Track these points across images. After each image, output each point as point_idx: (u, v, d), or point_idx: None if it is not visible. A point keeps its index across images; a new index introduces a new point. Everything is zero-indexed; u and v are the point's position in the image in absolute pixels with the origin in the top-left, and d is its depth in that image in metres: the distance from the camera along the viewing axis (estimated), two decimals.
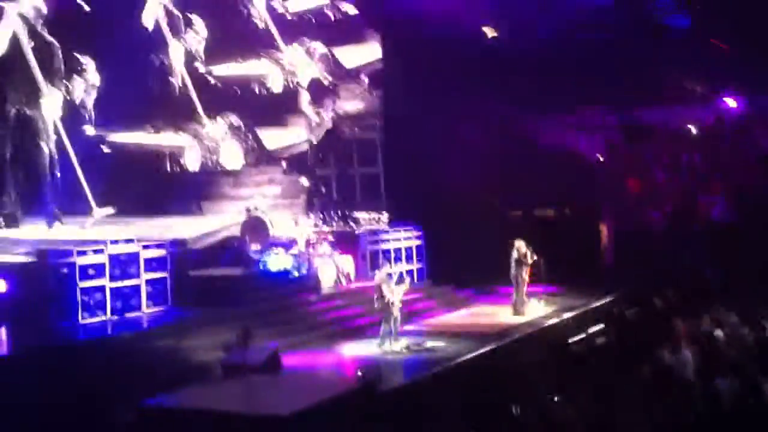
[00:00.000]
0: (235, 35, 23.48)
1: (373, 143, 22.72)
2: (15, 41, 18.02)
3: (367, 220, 21.31)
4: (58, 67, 18.49)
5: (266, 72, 23.29)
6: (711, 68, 22.84)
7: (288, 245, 18.21)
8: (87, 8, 21.08)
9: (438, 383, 13.15)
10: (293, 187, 21.76)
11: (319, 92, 21.32)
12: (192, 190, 21.38)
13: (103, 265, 15.25)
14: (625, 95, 22.57)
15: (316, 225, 19.82)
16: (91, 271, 15.06)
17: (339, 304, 17.37)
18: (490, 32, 24.06)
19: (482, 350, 14.79)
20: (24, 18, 18.26)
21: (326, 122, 21.18)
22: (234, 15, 23.82)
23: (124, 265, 15.55)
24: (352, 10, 23.84)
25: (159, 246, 16.28)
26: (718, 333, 13.43)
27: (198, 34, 23.02)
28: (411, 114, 20.94)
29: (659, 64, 22.57)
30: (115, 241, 15.74)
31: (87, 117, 22.13)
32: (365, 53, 23.70)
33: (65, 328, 14.47)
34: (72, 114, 20.48)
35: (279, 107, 23.09)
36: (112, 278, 15.30)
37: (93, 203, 18.43)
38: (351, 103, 22.65)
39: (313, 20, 24.14)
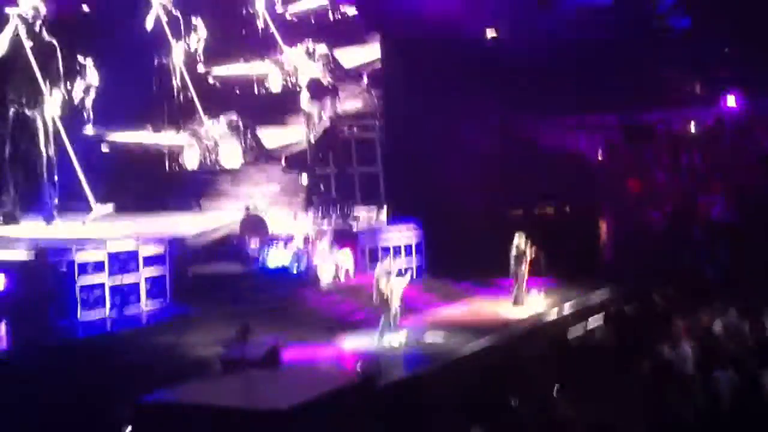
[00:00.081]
0: (234, 35, 23.56)
1: (373, 143, 22.75)
2: (15, 42, 18.02)
3: (366, 217, 21.34)
4: (58, 67, 18.46)
5: (266, 72, 23.37)
6: (711, 68, 22.88)
7: (287, 242, 18.23)
8: (86, 9, 21.15)
9: (437, 377, 13.15)
10: (292, 186, 21.78)
11: (319, 92, 21.33)
12: (191, 189, 21.41)
13: (102, 263, 15.25)
14: (626, 96, 22.60)
15: (314, 222, 19.85)
16: (90, 269, 15.07)
17: (338, 299, 17.40)
18: (490, 33, 24.12)
19: (482, 344, 14.81)
20: (23, 18, 18.26)
21: (325, 122, 21.18)
22: (234, 15, 23.90)
23: (123, 262, 15.56)
24: (351, 11, 23.91)
25: (158, 243, 16.29)
26: (717, 327, 13.45)
27: (198, 34, 23.08)
28: (410, 114, 20.98)
29: (659, 64, 22.62)
30: (115, 239, 15.76)
31: (86, 116, 22.18)
32: (365, 53, 23.78)
33: (64, 325, 14.47)
34: (72, 114, 20.49)
35: (278, 107, 23.15)
36: (112, 275, 15.30)
37: (93, 201, 18.43)
38: (350, 103, 22.70)
39: (313, 21, 24.23)
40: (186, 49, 22.68)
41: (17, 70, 18.17)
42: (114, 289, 15.30)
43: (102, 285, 15.18)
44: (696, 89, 24.37)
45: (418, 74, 21.09)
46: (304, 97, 21.35)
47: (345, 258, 18.38)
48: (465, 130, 22.16)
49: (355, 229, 19.82)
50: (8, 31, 17.93)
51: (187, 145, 22.21)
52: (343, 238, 18.93)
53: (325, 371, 13.51)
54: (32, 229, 18.08)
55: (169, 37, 22.14)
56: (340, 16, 24.27)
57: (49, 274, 14.70)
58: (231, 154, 22.14)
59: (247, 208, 19.18)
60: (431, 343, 15.00)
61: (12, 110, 18.20)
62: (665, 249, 21.39)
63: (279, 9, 24.10)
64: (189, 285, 16.25)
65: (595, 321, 16.10)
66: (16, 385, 11.49)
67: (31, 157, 18.40)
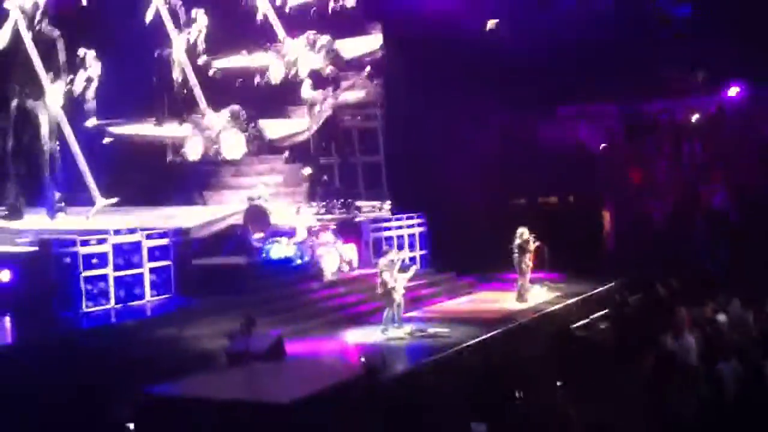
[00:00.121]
0: (235, 26, 23.49)
1: (375, 132, 22.72)
2: (16, 34, 18.00)
3: (369, 208, 21.34)
4: (59, 60, 18.47)
5: (267, 63, 23.33)
6: (712, 58, 22.80)
7: (290, 234, 18.23)
8: (84, 2, 21.07)
9: (441, 369, 13.17)
10: (295, 176, 21.77)
11: (320, 82, 21.29)
12: (194, 180, 21.40)
13: (106, 255, 15.28)
14: (627, 86, 22.55)
15: (318, 213, 19.85)
16: (94, 261, 15.10)
17: (341, 292, 17.43)
18: (490, 24, 24.05)
19: (485, 336, 14.84)
20: (23, 11, 18.24)
21: (327, 112, 21.15)
22: (235, 6, 23.82)
23: (127, 254, 15.59)
24: (351, 1, 23.85)
25: (162, 235, 16.31)
26: (721, 318, 13.44)
27: (199, 25, 23.03)
28: (412, 106, 20.94)
29: (660, 54, 22.54)
30: (118, 231, 15.78)
31: (89, 109, 22.18)
32: (366, 43, 23.72)
33: (69, 317, 14.50)
34: (74, 106, 20.50)
35: (280, 97, 23.11)
36: (116, 267, 15.33)
37: (96, 194, 18.45)
38: (352, 93, 22.65)
39: (313, 11, 24.15)
40: (187, 40, 22.64)
41: (18, 64, 18.18)
42: (118, 281, 15.32)
43: (106, 277, 15.19)
44: (697, 79, 24.28)
45: (419, 67, 21.05)
46: (306, 87, 21.30)
47: (348, 250, 18.37)
48: (466, 122, 22.14)
49: (358, 221, 19.78)
50: (9, 24, 17.92)
51: (189, 137, 22.18)
52: (347, 229, 18.93)
53: (329, 364, 13.55)
54: (36, 221, 18.12)
55: (170, 29, 22.09)
56: (339, 7, 24.20)
57: (53, 266, 14.73)
58: (233, 145, 22.09)
59: (250, 199, 19.16)
60: (435, 336, 15.02)
61: (14, 103, 18.22)
62: (667, 239, 21.39)
63: (278, 1, 24.03)
64: (192, 277, 16.25)
65: (598, 313, 16.10)
66: (21, 377, 11.51)
67: (34, 150, 18.44)
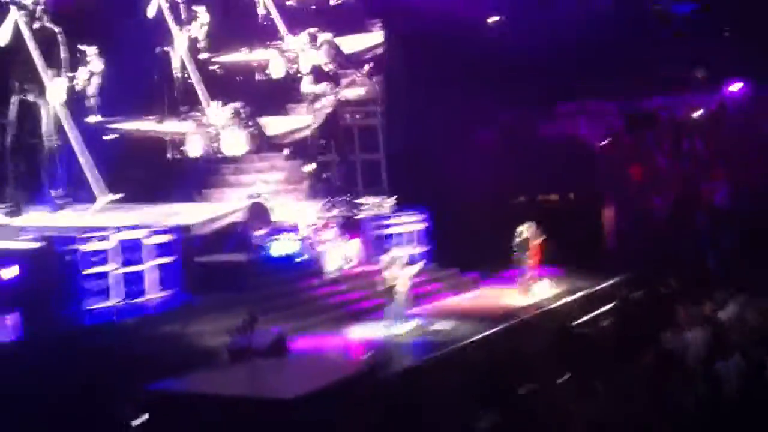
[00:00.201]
0: (236, 22, 23.49)
1: (375, 129, 22.72)
2: (16, 31, 17.98)
3: (371, 204, 21.35)
4: (60, 56, 18.41)
5: (267, 59, 23.33)
6: (713, 54, 22.83)
7: (292, 231, 18.24)
8: None
9: (444, 365, 13.21)
10: (296, 173, 21.76)
11: (320, 79, 21.28)
12: (194, 177, 21.35)
13: (107, 252, 15.26)
14: (627, 84, 22.58)
15: (319, 210, 19.85)
16: (95, 258, 15.06)
17: (344, 288, 17.47)
18: (492, 19, 24.08)
19: (488, 332, 14.88)
20: (23, 7, 18.21)
21: (327, 108, 21.13)
22: (236, 2, 23.83)
23: (128, 251, 15.55)
24: None
25: (163, 232, 16.31)
26: (721, 315, 13.48)
27: (199, 21, 23.02)
28: (413, 102, 20.95)
29: (660, 52, 22.56)
30: (120, 228, 15.78)
31: (90, 105, 22.17)
32: (366, 39, 23.74)
33: (71, 314, 14.48)
34: (75, 102, 20.48)
35: (280, 94, 23.11)
36: (118, 265, 15.32)
37: (98, 191, 18.44)
38: (352, 90, 22.64)
39: (314, 7, 24.16)
40: (188, 36, 22.63)
41: (19, 60, 18.11)
42: (120, 278, 15.31)
43: (108, 274, 15.18)
44: (698, 75, 24.31)
45: (419, 64, 21.07)
46: (306, 83, 21.30)
47: (350, 246, 18.40)
48: (467, 119, 22.17)
49: (360, 217, 19.79)
50: (9, 21, 17.89)
51: (189, 133, 22.17)
52: (349, 226, 18.94)
53: (332, 360, 13.59)
54: (38, 218, 18.11)
55: (171, 24, 22.08)
56: (340, 3, 24.20)
57: (55, 263, 14.71)
58: (234, 142, 22.06)
59: (251, 196, 19.17)
60: (438, 332, 15.05)
61: (15, 100, 18.18)
62: (668, 236, 21.42)
63: None
64: (195, 274, 16.25)
65: (600, 310, 16.15)
66: (25, 374, 11.53)
67: (35, 147, 18.40)
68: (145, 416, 10.83)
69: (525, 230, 17.95)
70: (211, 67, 23.27)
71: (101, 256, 15.13)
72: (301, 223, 18.45)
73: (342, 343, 14.55)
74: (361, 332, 15.14)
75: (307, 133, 21.80)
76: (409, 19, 21.56)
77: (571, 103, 24.04)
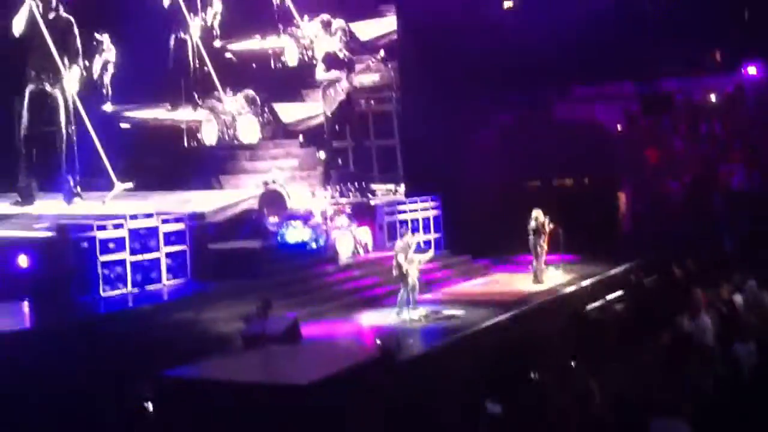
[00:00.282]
0: (250, 10, 23.48)
1: (390, 116, 22.68)
2: (31, 20, 18.05)
3: (384, 191, 21.34)
4: (75, 44, 18.49)
5: (282, 46, 23.33)
6: (731, 36, 22.57)
7: (305, 217, 18.27)
8: None
9: (456, 351, 13.21)
10: (310, 160, 21.80)
11: (335, 65, 21.25)
12: (209, 165, 21.44)
13: (123, 239, 15.37)
14: (644, 64, 22.37)
15: (333, 197, 19.88)
16: (111, 245, 15.18)
17: (357, 275, 17.48)
18: (507, 3, 23.91)
19: (501, 318, 14.86)
20: None
21: (341, 95, 21.12)
22: None
23: (143, 238, 15.66)
24: None
25: (178, 220, 16.39)
26: (738, 298, 13.38)
27: (213, 9, 23.04)
28: (427, 88, 20.84)
29: (678, 32, 22.33)
30: (135, 216, 15.87)
31: (105, 93, 22.28)
32: (380, 25, 23.68)
33: (86, 302, 14.61)
34: (90, 91, 20.58)
35: (295, 81, 23.14)
36: (132, 252, 15.42)
37: (113, 179, 18.55)
38: (367, 76, 22.62)
39: None
40: (202, 24, 22.66)
41: (35, 48, 18.21)
42: (135, 266, 15.42)
43: (123, 261, 15.29)
44: (716, 57, 24.06)
45: (433, 49, 20.95)
46: (320, 70, 21.29)
47: (363, 233, 18.41)
48: (482, 104, 22.05)
49: (373, 204, 19.80)
50: (25, 9, 17.98)
51: (205, 121, 22.27)
52: (362, 212, 18.95)
53: (344, 346, 13.61)
54: (52, 206, 18.23)
55: (186, 12, 22.12)
56: None
57: (71, 251, 14.82)
58: (249, 129, 22.17)
59: (266, 183, 19.21)
60: (450, 318, 15.05)
61: (31, 88, 18.29)
62: (685, 219, 21.25)
63: None
64: (209, 261, 16.32)
65: (614, 294, 16.06)
66: (39, 362, 11.62)
67: (50, 135, 18.50)
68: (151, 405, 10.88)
69: (540, 214, 17.87)
70: (227, 55, 23.31)
71: (116, 244, 15.24)
72: (316, 209, 18.48)
73: (355, 330, 14.57)
74: (373, 318, 15.16)
75: (321, 119, 21.80)
76: (422, 3, 21.44)
77: (586, 88, 23.86)
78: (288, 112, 22.90)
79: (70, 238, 14.90)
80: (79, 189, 18.62)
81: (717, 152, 23.21)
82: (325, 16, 22.38)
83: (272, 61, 23.52)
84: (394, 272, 15.27)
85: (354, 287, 16.97)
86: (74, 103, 18.47)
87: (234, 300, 14.58)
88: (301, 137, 22.63)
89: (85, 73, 19.48)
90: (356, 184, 20.36)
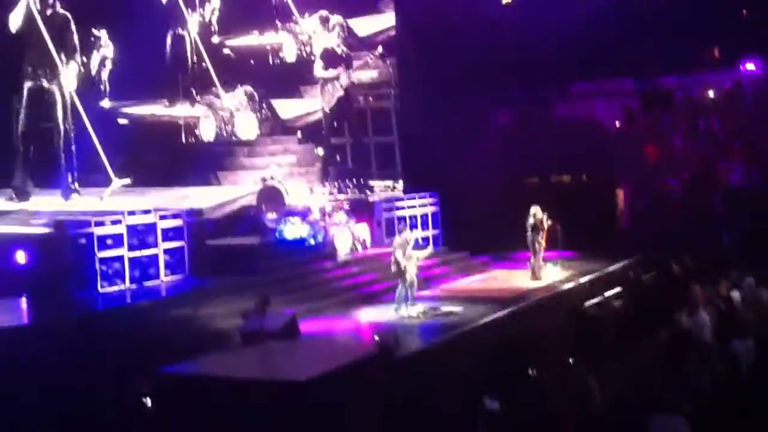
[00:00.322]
0: (249, 5, 23.45)
1: (388, 112, 22.65)
2: (28, 16, 18.01)
3: (382, 187, 21.32)
4: (73, 40, 18.46)
5: (280, 42, 23.29)
6: (729, 32, 22.58)
7: (304, 214, 18.26)
8: None
9: (454, 348, 13.20)
10: (308, 156, 21.75)
11: (333, 61, 21.21)
12: (207, 161, 21.43)
13: (121, 235, 15.37)
14: (642, 61, 22.37)
15: (331, 193, 19.86)
16: (109, 241, 15.19)
17: (355, 271, 17.48)
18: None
19: (499, 315, 14.85)
20: None
21: (340, 91, 21.08)
22: None
23: (141, 234, 15.67)
24: None
25: (176, 216, 16.38)
26: (735, 295, 13.39)
27: (211, 5, 23.01)
28: (425, 85, 20.81)
29: (677, 29, 22.32)
30: (133, 212, 15.86)
31: (102, 90, 22.26)
32: (379, 21, 23.63)
33: (84, 298, 14.60)
34: (88, 87, 20.56)
35: (293, 77, 23.08)
36: (130, 248, 15.41)
37: (112, 174, 18.54)
38: (365, 72, 22.57)
39: None
40: (200, 20, 22.63)
41: (32, 45, 18.17)
42: (133, 262, 15.41)
43: (121, 257, 15.29)
44: (714, 53, 24.07)
45: (432, 45, 20.92)
46: (318, 66, 21.27)
47: (362, 229, 18.40)
48: (481, 101, 22.03)
49: (371, 200, 19.79)
50: (22, 5, 17.94)
51: (203, 117, 22.24)
52: (360, 209, 18.94)
53: (343, 343, 13.61)
54: (51, 202, 18.22)
55: (184, 8, 22.08)
56: None
57: (68, 247, 14.83)
58: (247, 125, 22.15)
59: (264, 179, 19.19)
60: (448, 315, 15.04)
61: (28, 84, 18.25)
62: (683, 216, 21.26)
63: None
64: (207, 257, 16.32)
65: (613, 291, 16.06)
66: (37, 358, 11.61)
67: (48, 131, 18.47)
68: (149, 402, 10.87)
69: (538, 211, 17.87)
70: (224, 51, 23.27)
71: (114, 240, 15.24)
72: (314, 206, 18.46)
73: (353, 326, 14.57)
74: (371, 315, 15.16)
75: (319, 116, 21.78)
76: (421, 3, 21.42)
77: (585, 84, 23.85)
78: (286, 108, 22.87)
79: (68, 234, 14.90)
80: (76, 185, 18.60)
81: (716, 149, 23.22)
82: (324, 12, 22.32)
83: (270, 57, 23.48)
84: (393, 269, 15.26)
85: (352, 284, 16.96)
86: (72, 99, 18.43)
87: (232, 296, 14.58)
88: (299, 133, 22.60)
89: (82, 69, 19.43)
90: (354, 180, 20.34)
